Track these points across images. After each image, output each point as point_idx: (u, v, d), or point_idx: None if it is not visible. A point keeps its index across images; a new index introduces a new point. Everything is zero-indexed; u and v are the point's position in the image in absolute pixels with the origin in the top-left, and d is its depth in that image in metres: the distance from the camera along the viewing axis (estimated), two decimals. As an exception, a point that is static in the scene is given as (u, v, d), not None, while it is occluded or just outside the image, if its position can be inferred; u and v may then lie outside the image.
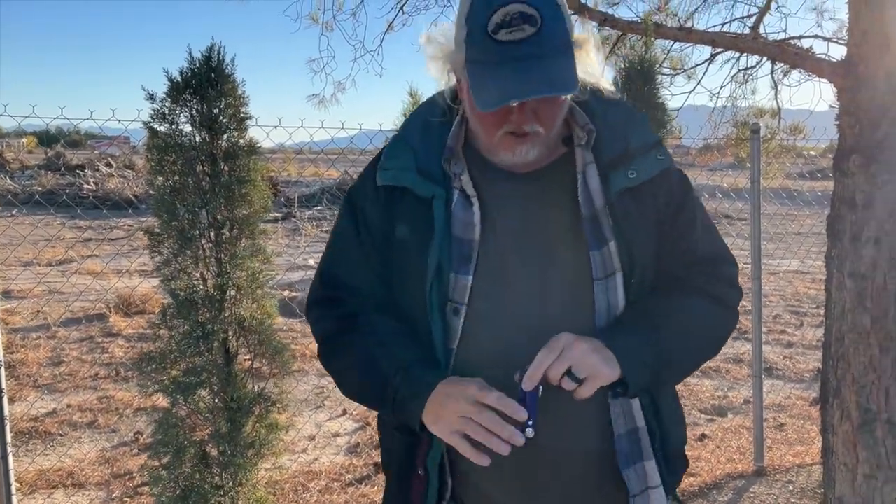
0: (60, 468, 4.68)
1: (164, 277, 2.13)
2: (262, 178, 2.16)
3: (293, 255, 11.17)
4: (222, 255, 2.14)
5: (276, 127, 3.49)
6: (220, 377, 2.16)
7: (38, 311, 7.97)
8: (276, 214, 14.69)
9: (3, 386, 2.93)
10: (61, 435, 5.28)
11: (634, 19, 3.97)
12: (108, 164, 18.82)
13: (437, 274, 1.17)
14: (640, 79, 3.17)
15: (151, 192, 2.10)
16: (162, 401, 2.28)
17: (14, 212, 12.79)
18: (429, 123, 1.26)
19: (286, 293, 8.62)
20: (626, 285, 1.20)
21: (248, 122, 2.21)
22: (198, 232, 2.11)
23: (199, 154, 2.13)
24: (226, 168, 2.15)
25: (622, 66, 3.34)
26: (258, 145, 2.22)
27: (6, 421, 2.96)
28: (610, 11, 3.95)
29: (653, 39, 3.41)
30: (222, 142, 2.16)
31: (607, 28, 3.94)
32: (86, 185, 15.59)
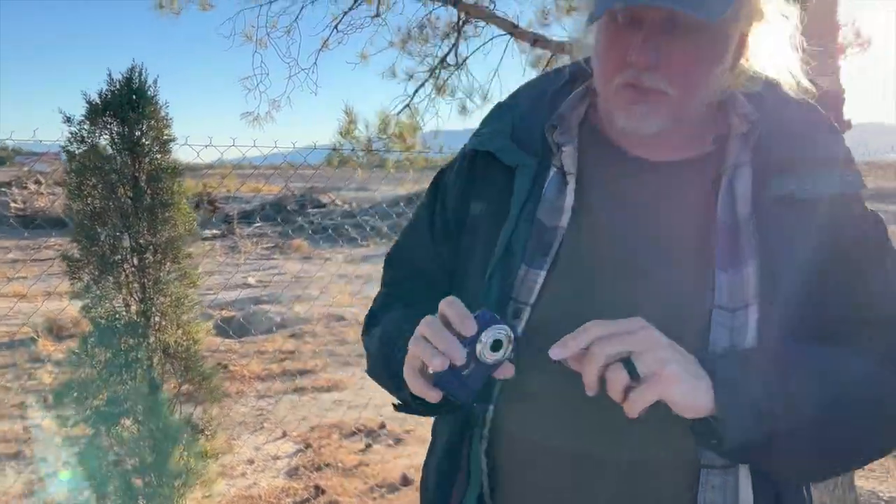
0: (10, 491, 4.47)
1: (84, 305, 2.07)
2: (186, 201, 2.13)
3: (231, 274, 10.96)
4: (146, 281, 2.10)
5: (206, 146, 3.45)
6: (145, 406, 2.11)
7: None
8: (215, 232, 14.40)
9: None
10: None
11: (566, 40, 4.07)
12: (37, 182, 18.15)
13: (504, 261, 0.95)
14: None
15: (70, 216, 2.04)
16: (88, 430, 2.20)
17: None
18: (545, 92, 1.05)
19: (223, 313, 8.45)
20: (763, 325, 0.88)
21: (172, 143, 2.18)
22: (119, 257, 2.06)
23: (121, 177, 2.08)
24: (149, 191, 2.10)
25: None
26: (182, 167, 2.18)
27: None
28: (541, 32, 4.04)
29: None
30: (145, 164, 2.12)
31: (539, 49, 4.03)
32: (12, 204, 15.00)
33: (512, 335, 0.83)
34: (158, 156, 2.15)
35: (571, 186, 0.96)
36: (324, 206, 16.49)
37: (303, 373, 6.70)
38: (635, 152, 0.97)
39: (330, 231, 12.78)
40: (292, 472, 4.84)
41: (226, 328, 7.53)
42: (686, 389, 0.80)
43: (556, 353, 0.82)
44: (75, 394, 2.06)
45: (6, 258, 11.29)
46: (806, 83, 0.97)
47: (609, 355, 0.80)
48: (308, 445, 5.15)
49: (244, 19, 4.70)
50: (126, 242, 2.06)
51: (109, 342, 2.04)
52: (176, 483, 2.11)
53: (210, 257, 12.24)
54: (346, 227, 13.03)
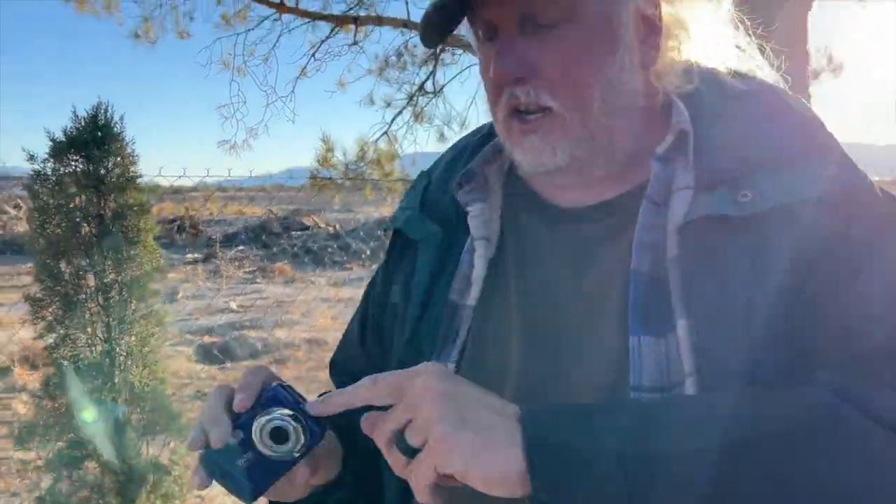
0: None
1: (47, 345, 2.03)
2: (152, 238, 2.10)
3: (212, 299, 10.86)
4: (110, 320, 2.06)
5: (180, 177, 3.44)
6: (110, 448, 2.06)
7: (-68, 368, 7.44)
8: (196, 255, 14.29)
9: None
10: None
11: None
12: (17, 206, 17.96)
13: (410, 355, 0.80)
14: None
15: (33, 254, 2.01)
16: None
17: None
18: (465, 148, 0.90)
19: (206, 338, 8.35)
20: None
21: (138, 179, 2.16)
22: (84, 295, 2.03)
23: (85, 215, 2.05)
24: (114, 228, 2.08)
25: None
26: (149, 204, 2.16)
27: None
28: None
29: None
30: (110, 201, 2.09)
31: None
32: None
33: (308, 430, 0.67)
34: (124, 193, 2.12)
35: (480, 253, 0.81)
36: (307, 228, 16.43)
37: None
38: (559, 199, 0.81)
39: (314, 253, 12.72)
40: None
41: (212, 352, 7.43)
42: (470, 458, 0.59)
43: (316, 409, 0.67)
44: (37, 437, 2.01)
45: (-17, 285, 11.14)
46: (757, 63, 0.81)
47: (387, 424, 0.63)
48: None
49: (221, 47, 4.72)
50: (91, 281, 2.03)
51: (72, 383, 2.00)
52: (142, 527, 2.07)
53: (191, 281, 12.14)
54: (329, 249, 12.98)
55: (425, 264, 0.85)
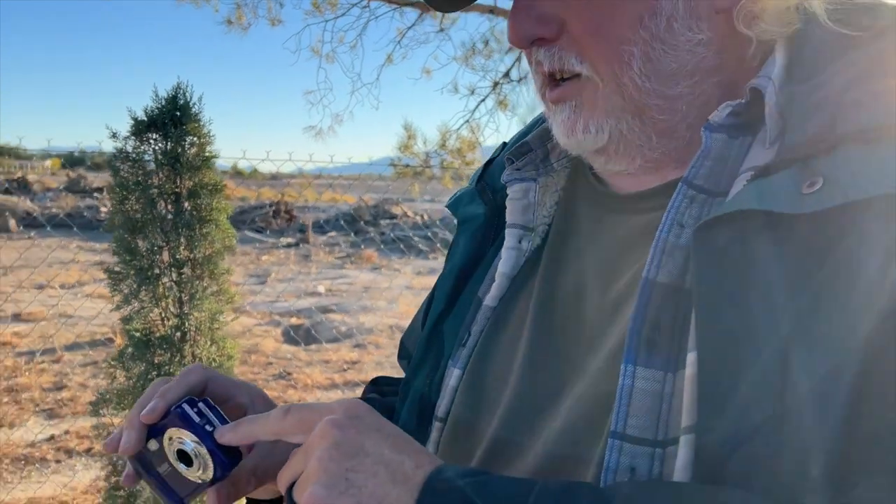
0: (53, 496, 4.67)
1: (122, 317, 2.11)
2: (225, 217, 2.14)
3: (303, 282, 11.19)
4: (182, 295, 2.12)
5: (263, 160, 3.52)
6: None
7: (46, 335, 8.03)
8: (289, 240, 14.76)
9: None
10: (57, 462, 5.27)
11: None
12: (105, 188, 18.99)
13: (429, 354, 0.74)
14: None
15: (113, 229, 2.09)
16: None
17: (32, 234, 12.98)
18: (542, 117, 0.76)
19: (293, 320, 8.62)
20: (701, 469, 0.49)
21: (214, 160, 2.20)
22: (158, 271, 2.09)
23: (162, 192, 2.11)
24: (188, 207, 2.13)
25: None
26: (223, 184, 2.20)
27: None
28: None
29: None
30: (185, 180, 2.15)
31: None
32: (102, 209, 15.83)
33: (214, 459, 0.61)
34: (199, 172, 2.17)
35: (511, 245, 0.70)
36: (395, 217, 16.65)
37: (364, 384, 6.76)
38: (618, 184, 0.67)
39: (401, 242, 12.87)
40: None
41: (293, 336, 7.67)
42: None
43: (224, 438, 0.61)
44: (113, 404, 2.10)
45: (93, 260, 11.92)
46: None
47: (285, 480, 0.55)
48: None
49: (310, 34, 4.78)
50: (165, 257, 2.09)
51: (142, 356, 2.07)
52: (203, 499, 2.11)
53: (283, 265, 12.55)
54: (415, 239, 13.10)
55: (460, 251, 0.76)
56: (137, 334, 2.08)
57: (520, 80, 4.28)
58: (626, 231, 0.63)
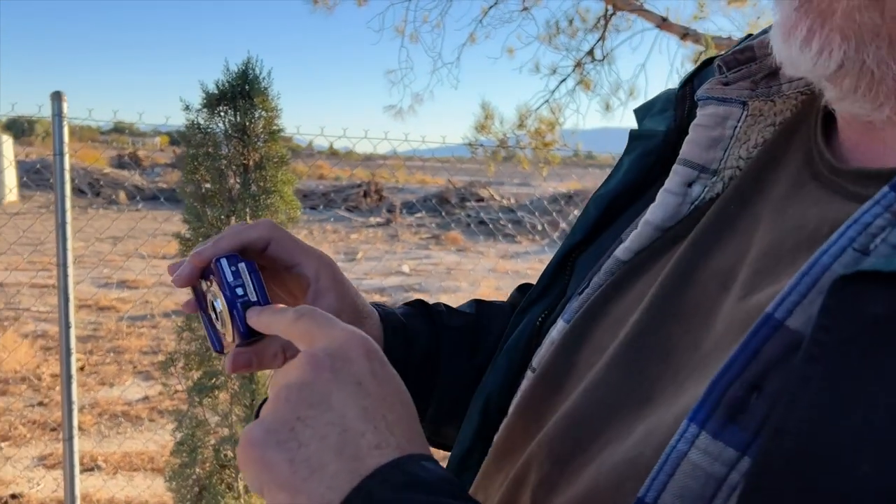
0: (143, 452, 4.98)
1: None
2: (290, 190, 2.20)
3: (389, 261, 11.39)
4: (246, 263, 2.19)
5: (340, 137, 3.59)
6: (240, 382, 2.21)
7: (146, 302, 8.53)
8: (378, 220, 15.04)
9: (73, 374, 3.15)
10: (151, 420, 5.60)
11: (720, 34, 3.76)
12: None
13: (550, 294, 0.63)
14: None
15: (183, 198, 2.18)
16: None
17: (140, 206, 13.80)
18: None
19: (377, 297, 8.80)
20: None
21: (280, 133, 2.26)
22: (225, 239, 2.17)
23: (230, 164, 2.19)
24: (254, 178, 2.20)
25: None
26: (288, 157, 2.26)
27: (74, 406, 3.18)
28: (693, 26, 3.75)
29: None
30: (253, 152, 2.22)
31: (690, 43, 3.75)
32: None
33: (236, 328, 0.58)
34: (267, 145, 2.24)
35: (670, 188, 0.54)
36: (482, 200, 16.64)
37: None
38: (844, 151, 0.47)
39: (486, 225, 12.85)
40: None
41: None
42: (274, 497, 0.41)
43: (250, 318, 0.56)
44: (181, 364, 2.21)
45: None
46: None
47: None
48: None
49: (393, 14, 4.81)
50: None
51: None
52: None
53: (371, 244, 12.81)
54: (502, 222, 13.05)
55: (620, 175, 0.61)
56: (203, 299, 2.17)
57: (603, 59, 4.16)
58: (822, 217, 0.43)
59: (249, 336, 0.57)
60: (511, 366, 0.62)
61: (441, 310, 0.78)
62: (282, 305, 0.56)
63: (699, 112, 0.54)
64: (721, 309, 0.44)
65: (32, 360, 6.39)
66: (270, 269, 0.66)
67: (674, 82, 3.51)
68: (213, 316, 0.61)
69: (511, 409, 0.58)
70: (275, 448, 0.41)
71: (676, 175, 0.55)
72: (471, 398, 0.65)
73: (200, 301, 0.63)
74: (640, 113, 0.65)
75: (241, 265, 0.59)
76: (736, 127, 0.53)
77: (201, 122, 2.19)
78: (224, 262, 0.59)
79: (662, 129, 0.59)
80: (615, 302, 0.54)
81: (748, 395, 0.36)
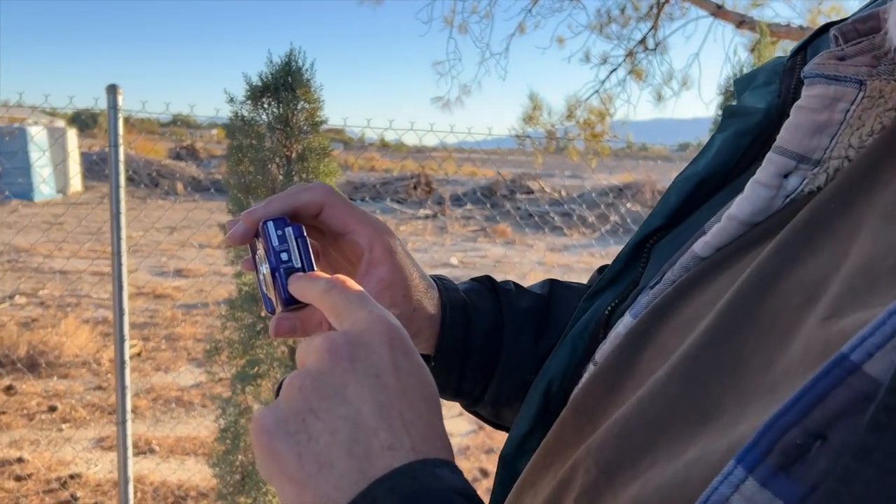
0: (195, 437, 5.11)
1: (236, 271, 2.24)
2: (333, 182, 2.20)
3: (437, 253, 11.41)
4: (289, 254, 2.20)
5: (386, 129, 3.59)
6: (283, 370, 2.23)
7: (202, 290, 8.74)
8: (427, 212, 15.07)
9: (127, 359, 3.24)
10: (202, 406, 5.75)
11: (778, 21, 3.62)
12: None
13: (623, 281, 0.59)
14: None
15: (228, 189, 2.21)
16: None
17: (197, 196, 14.16)
18: None
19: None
20: None
21: (322, 124, 2.26)
22: (268, 230, 2.19)
23: (273, 155, 2.21)
24: (297, 170, 2.21)
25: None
26: (330, 148, 2.26)
27: (127, 391, 3.28)
28: (751, 14, 3.63)
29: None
30: (295, 144, 2.23)
31: (746, 31, 3.62)
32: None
33: (273, 284, 0.57)
34: (309, 136, 2.25)
35: (761, 178, 0.47)
36: (532, 192, 16.51)
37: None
38: None
39: (536, 218, 12.76)
40: (462, 452, 4.93)
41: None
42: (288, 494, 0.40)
43: (291, 286, 0.54)
44: (226, 353, 2.24)
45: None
46: None
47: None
48: (482, 426, 5.20)
49: (442, 5, 4.78)
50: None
51: (250, 308, 2.19)
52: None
53: (420, 235, 12.86)
54: (550, 214, 12.94)
55: (710, 156, 0.55)
56: (246, 288, 2.20)
57: (655, 48, 4.06)
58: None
59: (291, 303, 0.56)
60: (574, 354, 0.59)
61: (509, 288, 0.74)
62: (320, 273, 0.54)
63: (805, 92, 0.46)
64: (801, 327, 0.37)
65: (92, 344, 6.62)
66: (328, 235, 0.64)
67: (729, 72, 3.38)
68: (262, 277, 0.60)
69: (569, 402, 0.54)
70: (284, 439, 0.40)
71: (770, 164, 0.47)
72: (533, 380, 0.63)
73: (254, 258, 0.62)
74: (741, 84, 0.58)
75: (288, 230, 0.57)
76: (848, 111, 0.44)
77: (245, 113, 2.21)
78: (271, 225, 0.57)
79: (763, 105, 0.52)
80: (687, 302, 0.47)
81: (809, 443, 0.30)
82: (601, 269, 0.74)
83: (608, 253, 11.26)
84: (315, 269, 0.56)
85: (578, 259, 10.63)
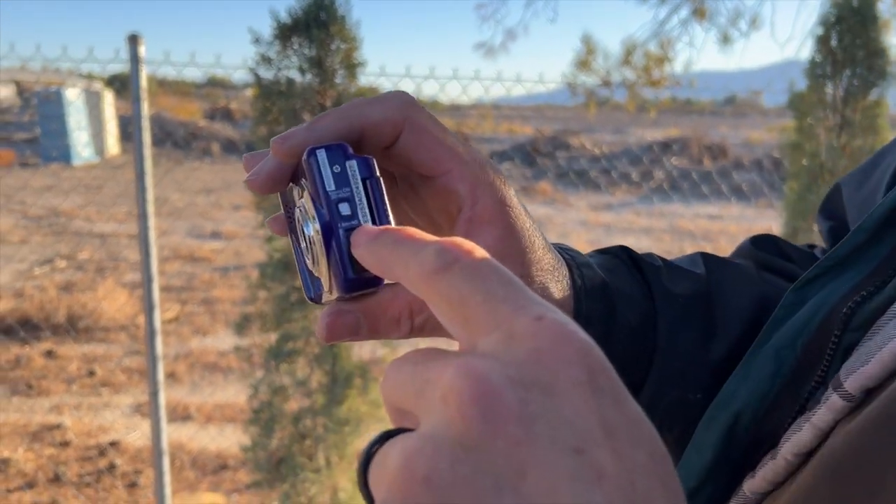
0: (235, 403, 5.01)
1: (267, 235, 2.01)
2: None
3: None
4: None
5: (427, 77, 3.32)
6: (320, 346, 2.02)
7: (239, 253, 8.66)
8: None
9: (157, 328, 3.07)
10: (242, 371, 5.65)
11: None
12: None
13: (838, 274, 0.47)
14: (853, 17, 2.48)
15: (254, 143, 1.97)
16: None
17: (232, 158, 14.07)
18: None
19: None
20: None
21: (360, 67, 2.00)
22: (301, 188, 1.95)
23: (305, 103, 1.95)
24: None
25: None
26: (371, 94, 1.99)
27: (159, 361, 3.12)
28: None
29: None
30: (330, 90, 1.96)
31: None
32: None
33: (324, 254, 0.36)
34: (346, 80, 1.98)
35: None
36: (573, 149, 16.05)
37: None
38: None
39: (577, 175, 12.37)
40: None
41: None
42: None
43: (358, 250, 0.33)
44: (258, 325, 2.04)
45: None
46: None
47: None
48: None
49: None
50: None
51: (282, 277, 1.96)
52: (345, 429, 2.02)
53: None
54: (593, 173, 12.52)
55: None
56: (278, 254, 1.97)
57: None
58: None
59: (356, 286, 0.35)
60: (781, 372, 0.43)
61: (657, 264, 0.52)
62: (414, 231, 0.30)
63: None
64: None
65: (130, 308, 6.55)
66: (405, 177, 0.42)
67: (808, 10, 3.00)
68: (304, 244, 0.38)
69: (816, 460, 0.36)
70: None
71: None
72: (701, 402, 0.46)
73: (289, 216, 0.41)
74: None
75: (351, 164, 0.35)
76: None
77: (272, 56, 1.95)
78: (322, 156, 0.35)
79: None
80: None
81: None
82: (759, 241, 0.58)
83: (654, 212, 10.85)
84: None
85: (623, 218, 10.26)
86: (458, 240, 0.27)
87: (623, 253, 0.52)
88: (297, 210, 0.38)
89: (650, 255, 0.53)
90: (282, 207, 0.42)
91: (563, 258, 0.46)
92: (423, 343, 0.52)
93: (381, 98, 0.39)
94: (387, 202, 0.35)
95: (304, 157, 0.35)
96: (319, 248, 0.35)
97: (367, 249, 0.31)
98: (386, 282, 0.37)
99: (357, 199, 0.35)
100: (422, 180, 0.41)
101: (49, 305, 6.19)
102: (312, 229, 0.36)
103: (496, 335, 0.23)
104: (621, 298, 0.48)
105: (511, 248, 0.40)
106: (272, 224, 0.43)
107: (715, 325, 0.50)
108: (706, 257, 0.55)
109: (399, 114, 0.39)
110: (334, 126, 0.37)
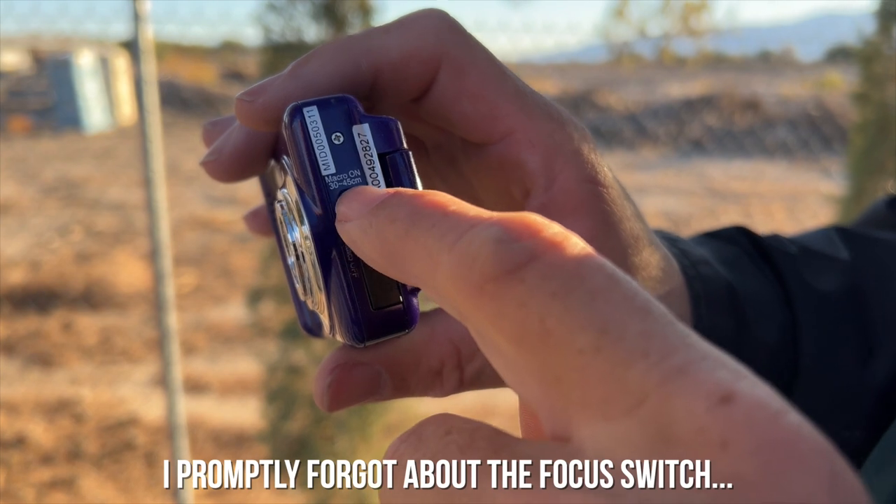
0: (255, 376, 4.93)
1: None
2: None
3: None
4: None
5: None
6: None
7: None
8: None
9: (168, 301, 2.94)
10: (262, 340, 5.56)
11: None
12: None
13: None
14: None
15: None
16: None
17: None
18: None
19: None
20: None
21: (377, 14, 1.80)
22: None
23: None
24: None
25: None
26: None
27: (171, 335, 2.99)
28: None
29: None
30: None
31: None
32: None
33: (316, 263, 0.23)
34: (360, 29, 1.78)
35: None
36: (599, 108, 15.68)
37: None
38: None
39: (605, 134, 12.06)
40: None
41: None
42: None
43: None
44: (273, 300, 1.89)
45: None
46: None
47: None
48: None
49: None
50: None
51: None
52: (366, 409, 1.88)
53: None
54: (622, 130, 12.17)
55: None
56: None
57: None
58: None
59: (374, 330, 0.22)
60: None
61: (790, 251, 0.38)
62: (448, 199, 0.18)
63: None
64: None
65: (147, 277, 6.48)
66: (436, 144, 0.30)
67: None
68: (290, 258, 0.26)
69: None
70: None
71: None
72: (860, 438, 0.34)
73: (275, 212, 0.29)
74: None
75: (363, 128, 0.22)
76: None
77: (280, 3, 1.76)
78: (314, 116, 0.22)
79: None
80: None
81: None
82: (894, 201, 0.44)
83: (689, 171, 10.51)
84: None
85: (654, 178, 9.96)
86: (534, 217, 0.16)
87: (742, 237, 0.38)
88: (278, 206, 0.25)
89: (776, 237, 0.38)
90: (262, 194, 0.30)
91: (672, 252, 0.33)
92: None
93: (403, 22, 0.26)
94: (420, 188, 0.22)
95: (286, 120, 0.23)
96: (313, 269, 0.22)
97: (361, 229, 0.20)
98: (422, 309, 0.23)
99: (366, 161, 0.22)
100: (468, 149, 0.28)
101: (65, 274, 6.13)
102: (300, 235, 0.23)
103: (628, 424, 0.12)
104: (752, 306, 0.34)
105: (606, 248, 0.27)
106: (250, 221, 0.33)
107: (875, 334, 0.36)
108: (845, 234, 0.40)
109: (432, 46, 0.26)
110: (332, 69, 0.25)
